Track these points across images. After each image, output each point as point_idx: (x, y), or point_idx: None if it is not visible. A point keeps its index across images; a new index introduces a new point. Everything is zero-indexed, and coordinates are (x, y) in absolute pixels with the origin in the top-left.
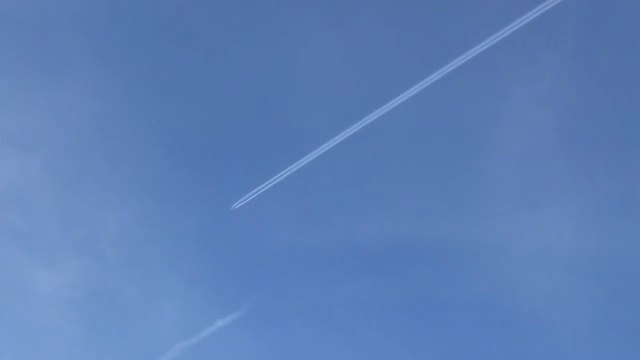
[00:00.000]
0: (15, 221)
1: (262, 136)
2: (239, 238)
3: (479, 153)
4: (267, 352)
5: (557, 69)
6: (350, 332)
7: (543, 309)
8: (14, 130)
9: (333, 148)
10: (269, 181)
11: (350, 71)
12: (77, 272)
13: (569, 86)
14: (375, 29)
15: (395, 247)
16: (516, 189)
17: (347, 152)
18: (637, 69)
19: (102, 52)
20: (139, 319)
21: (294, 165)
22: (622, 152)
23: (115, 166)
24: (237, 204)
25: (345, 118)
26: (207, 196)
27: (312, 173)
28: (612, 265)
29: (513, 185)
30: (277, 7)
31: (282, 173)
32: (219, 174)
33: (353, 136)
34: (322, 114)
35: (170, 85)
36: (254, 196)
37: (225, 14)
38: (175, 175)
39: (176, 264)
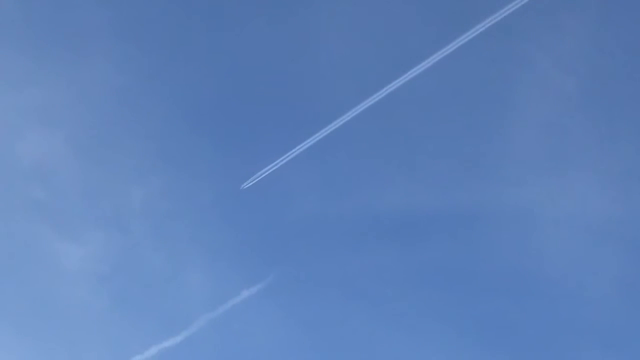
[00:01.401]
0: (40, 196)
1: (284, 107)
2: (263, 209)
3: (502, 120)
4: (292, 321)
5: (579, 34)
6: (374, 302)
7: (569, 275)
8: (37, 106)
9: (355, 118)
10: (292, 152)
11: (370, 39)
12: (103, 246)
13: (591, 51)
14: None
15: (419, 216)
16: (540, 155)
17: (369, 121)
18: None
19: (124, 26)
20: (165, 291)
21: (316, 135)
22: None
23: (138, 140)
24: (260, 175)
25: (366, 87)
26: (230, 167)
27: (334, 143)
28: (638, 229)
29: (536, 151)
30: None
31: (304, 143)
32: (242, 145)
33: (375, 105)
34: (343, 83)
35: (193, 58)
36: (277, 167)
37: None
38: (199, 148)
39: (201, 236)
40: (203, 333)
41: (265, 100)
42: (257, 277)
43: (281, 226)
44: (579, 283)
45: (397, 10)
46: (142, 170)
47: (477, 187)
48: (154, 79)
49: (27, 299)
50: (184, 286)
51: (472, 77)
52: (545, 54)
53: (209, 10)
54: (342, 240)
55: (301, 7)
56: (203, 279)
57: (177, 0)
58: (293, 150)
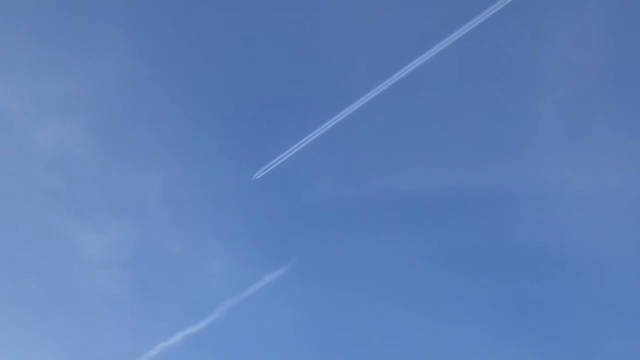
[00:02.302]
0: (58, 186)
1: (299, 91)
2: (281, 194)
3: (523, 98)
4: (315, 305)
5: (600, 10)
6: (396, 285)
7: (591, 254)
8: (53, 95)
9: (375, 98)
10: (309, 136)
11: (387, 18)
12: (123, 234)
13: (613, 28)
14: None
15: (440, 197)
16: (561, 133)
17: (389, 101)
18: None
19: (140, 14)
20: (186, 277)
21: (333, 118)
22: None
23: (156, 127)
24: (278, 161)
25: (386, 67)
26: (247, 153)
27: (354, 124)
28: None
29: (557, 129)
30: None
31: (321, 127)
32: (259, 131)
33: (394, 85)
34: (359, 64)
35: (208, 45)
36: (294, 152)
37: None
38: (216, 134)
39: (221, 222)
40: (226, 319)
41: (281, 85)
42: (278, 262)
43: (300, 211)
44: (601, 262)
45: None
46: (160, 158)
47: (498, 167)
48: (170, 67)
49: (49, 289)
50: (206, 272)
51: (491, 56)
52: (566, 31)
53: None
54: (362, 223)
55: None
56: (224, 264)
57: None
58: (310, 135)
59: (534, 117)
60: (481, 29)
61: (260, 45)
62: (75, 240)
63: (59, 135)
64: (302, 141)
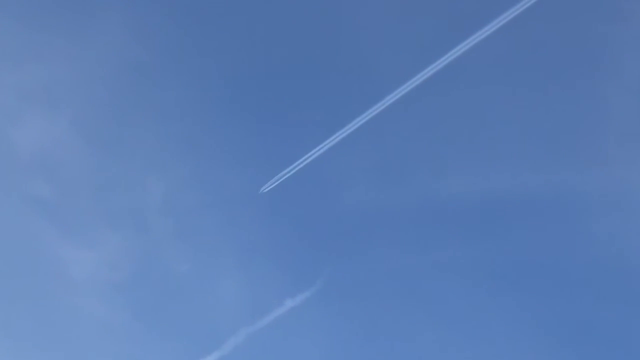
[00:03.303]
0: (42, 192)
1: (327, 82)
2: (306, 202)
3: (590, 86)
4: (347, 331)
5: None
6: (441, 303)
7: None
8: (36, 84)
9: (412, 90)
10: (337, 134)
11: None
12: (118, 250)
13: None
14: None
15: (491, 203)
16: (635, 127)
17: (430, 93)
18: None
19: None
20: (194, 301)
21: (368, 112)
22: None
23: (158, 124)
24: (302, 162)
25: (427, 54)
26: (267, 154)
27: (389, 121)
28: None
29: (632, 122)
30: None
31: (352, 124)
32: (280, 128)
33: (437, 74)
34: (395, 53)
35: (222, 29)
36: (320, 152)
37: None
38: (230, 131)
39: (235, 235)
40: (241, 351)
41: (306, 75)
42: (303, 283)
43: (329, 221)
44: None
45: None
46: (162, 159)
47: (559, 168)
48: (176, 51)
49: (30, 314)
50: (217, 296)
51: (552, 38)
52: None
53: None
54: (401, 234)
55: None
56: (239, 286)
57: None
58: (339, 133)
59: (604, 108)
60: (539, 6)
61: (284, 31)
62: (61, 258)
63: (43, 131)
64: (328, 140)
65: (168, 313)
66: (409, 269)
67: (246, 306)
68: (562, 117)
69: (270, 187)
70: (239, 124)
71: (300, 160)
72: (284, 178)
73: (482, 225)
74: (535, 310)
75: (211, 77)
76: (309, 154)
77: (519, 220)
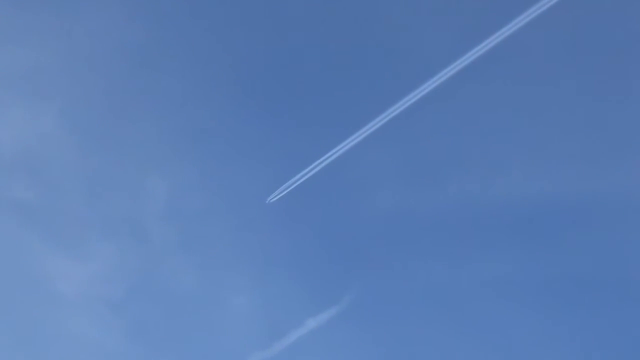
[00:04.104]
0: (25, 196)
1: (352, 71)
2: (329, 206)
3: None
4: (377, 356)
5: None
6: (485, 326)
7: None
8: (20, 71)
9: (451, 77)
10: (365, 128)
11: None
12: (113, 262)
13: None
14: None
15: (543, 208)
16: None
17: (470, 81)
18: None
19: None
20: (200, 322)
21: (395, 106)
22: None
23: (159, 116)
24: (323, 161)
25: (467, 37)
26: (282, 152)
27: (423, 113)
28: None
29: None
30: None
31: (380, 117)
32: (297, 122)
33: (479, 59)
34: (431, 38)
35: (232, 4)
36: (345, 149)
37: None
38: (240, 126)
39: (247, 245)
40: None
41: (326, 64)
42: (326, 300)
43: (354, 229)
44: None
45: None
46: (164, 158)
47: (624, 168)
48: (181, 33)
49: (12, 336)
50: (227, 315)
51: (604, 22)
52: None
53: None
54: (438, 244)
55: None
56: (252, 304)
57: None
58: (363, 130)
59: None
60: None
61: (295, 21)
62: (47, 271)
63: (26, 125)
64: (354, 135)
65: (170, 335)
66: (447, 286)
67: (261, 327)
68: (625, 110)
69: (286, 190)
70: (251, 119)
71: (320, 160)
72: (301, 181)
73: (532, 234)
74: (596, 331)
75: (221, 63)
76: (330, 153)
77: (577, 229)
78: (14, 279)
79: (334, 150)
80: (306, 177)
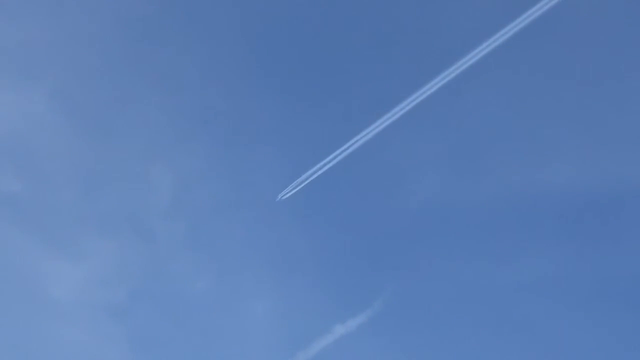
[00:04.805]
0: (13, 189)
1: (384, 48)
2: (358, 196)
3: None
4: None
5: None
6: (528, 326)
7: None
8: (6, 47)
9: (489, 53)
10: (398, 108)
11: None
12: (112, 263)
13: None
14: None
15: (598, 200)
16: None
17: (520, 55)
18: None
19: None
20: (212, 331)
21: (435, 81)
22: None
23: (163, 97)
24: (351, 146)
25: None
26: (306, 136)
27: (463, 90)
28: None
29: None
30: None
31: (417, 94)
32: (322, 101)
33: (521, 33)
34: (473, 13)
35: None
36: (375, 132)
37: None
38: (256, 106)
39: (265, 244)
40: None
41: (360, 38)
42: (356, 305)
43: (387, 223)
44: None
45: None
46: (169, 145)
47: None
48: (184, 3)
49: (8, 343)
50: (243, 323)
51: None
52: None
53: None
54: (481, 240)
55: None
56: (272, 309)
57: None
58: (397, 108)
59: None
60: None
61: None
62: (39, 273)
63: (15, 108)
64: (385, 117)
65: (178, 347)
66: (490, 287)
67: (283, 336)
68: None
69: (307, 180)
70: (268, 98)
71: (345, 146)
72: (323, 170)
73: (588, 228)
74: None
75: (233, 35)
76: (357, 138)
77: (634, 225)
78: (4, 283)
79: (360, 135)
80: (329, 165)
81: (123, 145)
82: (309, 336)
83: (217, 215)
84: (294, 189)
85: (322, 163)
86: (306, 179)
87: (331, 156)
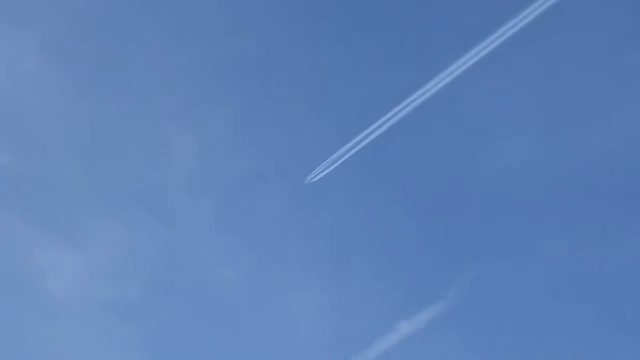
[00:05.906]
0: (2, 161)
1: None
2: (426, 159)
3: None
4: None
5: None
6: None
7: None
8: None
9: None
10: (480, 46)
11: None
12: (122, 251)
13: None
14: None
15: None
16: None
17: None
18: None
19: None
20: (247, 331)
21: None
22: None
23: (179, 48)
24: (419, 95)
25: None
26: (355, 88)
27: (560, 30)
28: None
29: None
30: None
31: (502, 30)
32: (378, 48)
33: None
34: None
35: None
36: (446, 81)
37: None
38: (294, 58)
39: (311, 223)
40: None
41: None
42: (424, 298)
43: (461, 195)
44: None
45: None
46: (188, 106)
47: None
48: None
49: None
50: (288, 320)
51: None
52: None
53: None
54: (584, 214)
55: None
56: (321, 303)
57: None
58: (479, 47)
59: None
60: None
61: None
62: (33, 265)
63: (3, 60)
64: (454, 65)
65: (204, 351)
66: (595, 277)
67: (335, 336)
68: None
69: (361, 145)
70: (311, 50)
71: (409, 100)
72: (381, 130)
73: None
74: None
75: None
76: (423, 89)
77: None
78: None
79: (426, 86)
80: (387, 125)
81: (134, 107)
82: (367, 336)
83: (250, 190)
84: (343, 155)
85: (378, 123)
86: (359, 142)
87: (390, 114)
